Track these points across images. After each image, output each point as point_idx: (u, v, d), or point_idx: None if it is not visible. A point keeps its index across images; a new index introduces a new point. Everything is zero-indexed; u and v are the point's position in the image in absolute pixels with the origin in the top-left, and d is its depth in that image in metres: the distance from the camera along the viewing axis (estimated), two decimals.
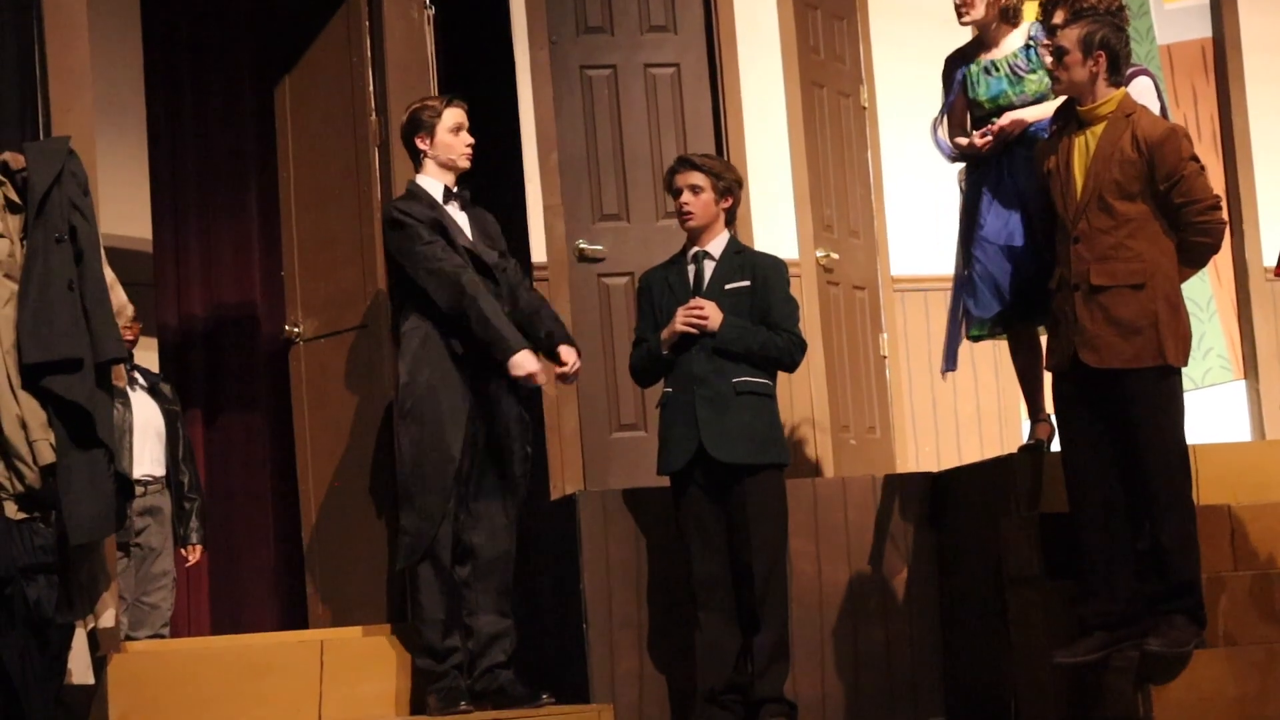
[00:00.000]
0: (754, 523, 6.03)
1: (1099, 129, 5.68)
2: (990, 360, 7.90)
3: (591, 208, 7.60)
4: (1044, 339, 6.35)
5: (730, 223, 6.28)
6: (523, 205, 7.43)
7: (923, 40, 8.10)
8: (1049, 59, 5.83)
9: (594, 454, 7.40)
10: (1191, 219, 5.62)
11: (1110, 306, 5.59)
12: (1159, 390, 5.59)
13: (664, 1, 7.72)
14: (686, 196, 6.19)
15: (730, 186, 6.22)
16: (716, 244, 6.23)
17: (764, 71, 7.78)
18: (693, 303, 6.12)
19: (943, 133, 6.54)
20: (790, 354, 6.16)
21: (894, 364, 8.07)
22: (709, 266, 6.21)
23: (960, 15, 6.44)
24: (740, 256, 6.23)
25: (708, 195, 6.18)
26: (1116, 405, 5.61)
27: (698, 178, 6.18)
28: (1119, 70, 5.71)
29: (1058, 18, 6.01)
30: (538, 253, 7.41)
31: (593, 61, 7.65)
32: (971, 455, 7.80)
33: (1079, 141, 5.71)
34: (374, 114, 6.66)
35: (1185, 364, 5.67)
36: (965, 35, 7.32)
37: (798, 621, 6.46)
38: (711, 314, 6.10)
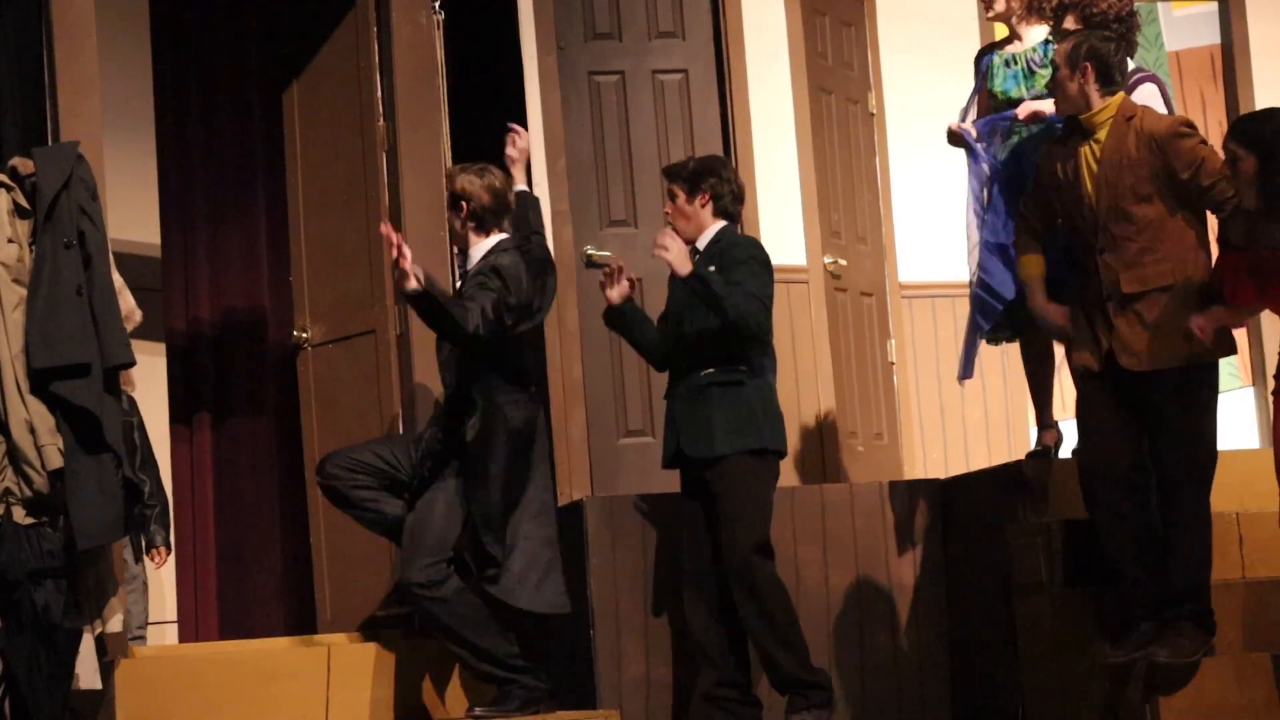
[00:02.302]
0: (721, 514, 6.02)
1: (1102, 136, 5.67)
2: (999, 366, 7.89)
3: (599, 213, 7.60)
4: (1057, 346, 6.38)
5: (725, 214, 6.20)
6: None
7: (931, 47, 8.10)
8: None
9: (601, 459, 7.39)
10: (1227, 194, 5.55)
11: (1144, 311, 5.58)
12: (1191, 390, 5.58)
13: (672, 7, 7.71)
14: (667, 204, 6.26)
15: (698, 180, 6.16)
16: (704, 238, 6.20)
17: (772, 77, 7.77)
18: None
19: (968, 123, 6.54)
20: (750, 314, 5.93)
21: (902, 370, 8.06)
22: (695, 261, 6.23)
23: (987, 11, 6.49)
24: (718, 245, 6.17)
25: (681, 199, 6.19)
26: (1149, 404, 5.60)
27: (670, 185, 6.23)
28: (1112, 79, 5.69)
29: (1068, 23, 6.02)
30: None
31: (601, 67, 7.65)
32: (980, 462, 7.80)
33: (1084, 152, 5.70)
34: (381, 119, 6.67)
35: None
36: (973, 41, 7.34)
37: (805, 628, 6.45)
38: (672, 248, 6.03)
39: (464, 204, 5.93)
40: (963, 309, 7.73)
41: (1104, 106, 5.68)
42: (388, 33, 6.61)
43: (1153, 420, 5.61)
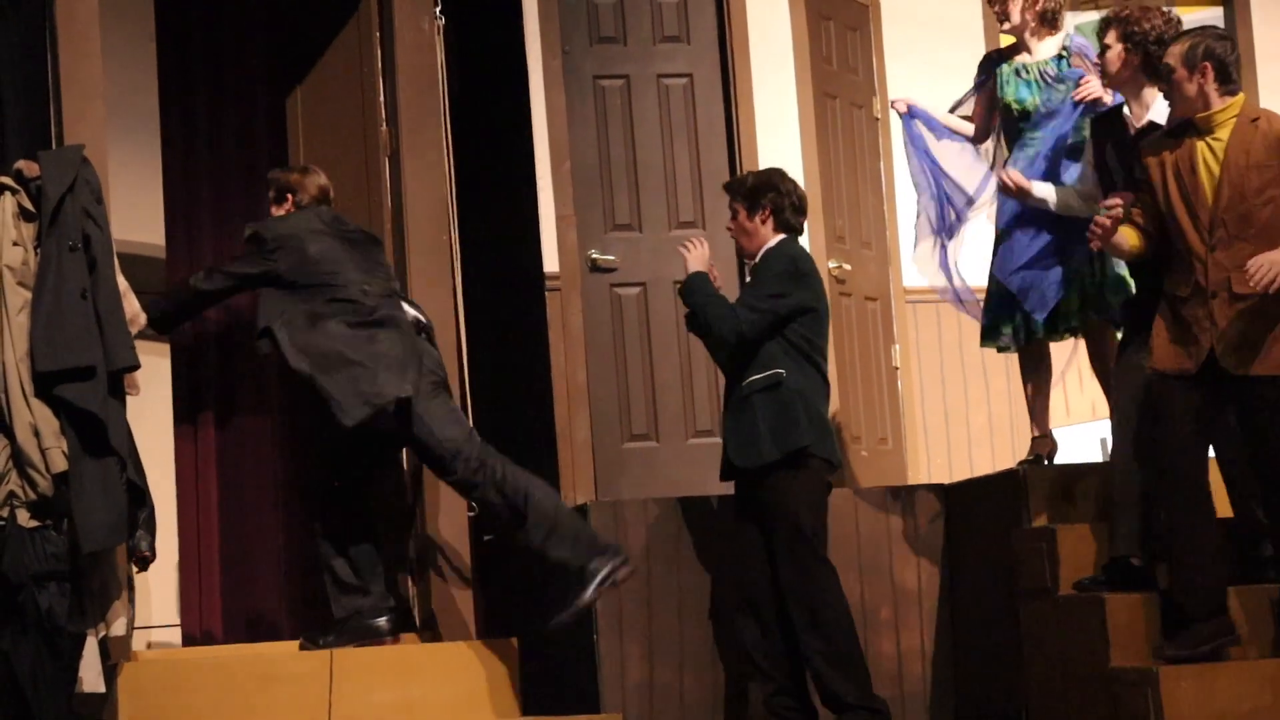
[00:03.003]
0: (775, 531, 6.04)
1: (1223, 135, 5.62)
2: (1003, 371, 7.89)
3: (604, 218, 7.61)
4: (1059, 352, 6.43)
5: (787, 227, 6.22)
6: (535, 215, 7.43)
7: (936, 52, 8.11)
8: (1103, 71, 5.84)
9: (605, 464, 7.40)
10: None
11: (1253, 313, 5.53)
12: None
13: (677, 12, 7.72)
14: (729, 221, 6.29)
15: (757, 195, 6.21)
16: (762, 253, 6.25)
17: (777, 82, 7.78)
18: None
19: (950, 118, 6.71)
20: (717, 325, 6.06)
21: (906, 375, 8.07)
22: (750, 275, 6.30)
23: (1000, 24, 6.60)
24: (766, 259, 6.24)
25: (741, 215, 6.24)
26: (1251, 409, 5.57)
27: (732, 202, 6.27)
28: (1230, 78, 5.65)
29: (1110, 39, 6.03)
30: (550, 262, 7.42)
31: (606, 71, 7.65)
32: (983, 467, 7.80)
33: (1201, 148, 5.65)
34: (384, 124, 6.67)
35: None
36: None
37: None
38: (693, 255, 6.19)
39: (289, 195, 6.29)
40: (968, 315, 7.76)
41: (1225, 106, 5.63)
42: (390, 38, 6.61)
43: (1261, 422, 5.56)
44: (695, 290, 6.16)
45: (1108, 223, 5.69)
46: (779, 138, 7.72)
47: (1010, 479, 6.52)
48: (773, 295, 6.08)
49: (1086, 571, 6.09)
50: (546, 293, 7.37)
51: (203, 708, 5.71)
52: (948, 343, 8.04)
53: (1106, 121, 6.15)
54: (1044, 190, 6.27)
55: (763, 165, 7.67)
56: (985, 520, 6.62)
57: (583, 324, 7.40)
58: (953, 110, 6.76)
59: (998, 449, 8.08)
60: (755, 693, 6.27)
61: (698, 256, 6.21)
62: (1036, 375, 6.60)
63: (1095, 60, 6.30)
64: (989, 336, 6.58)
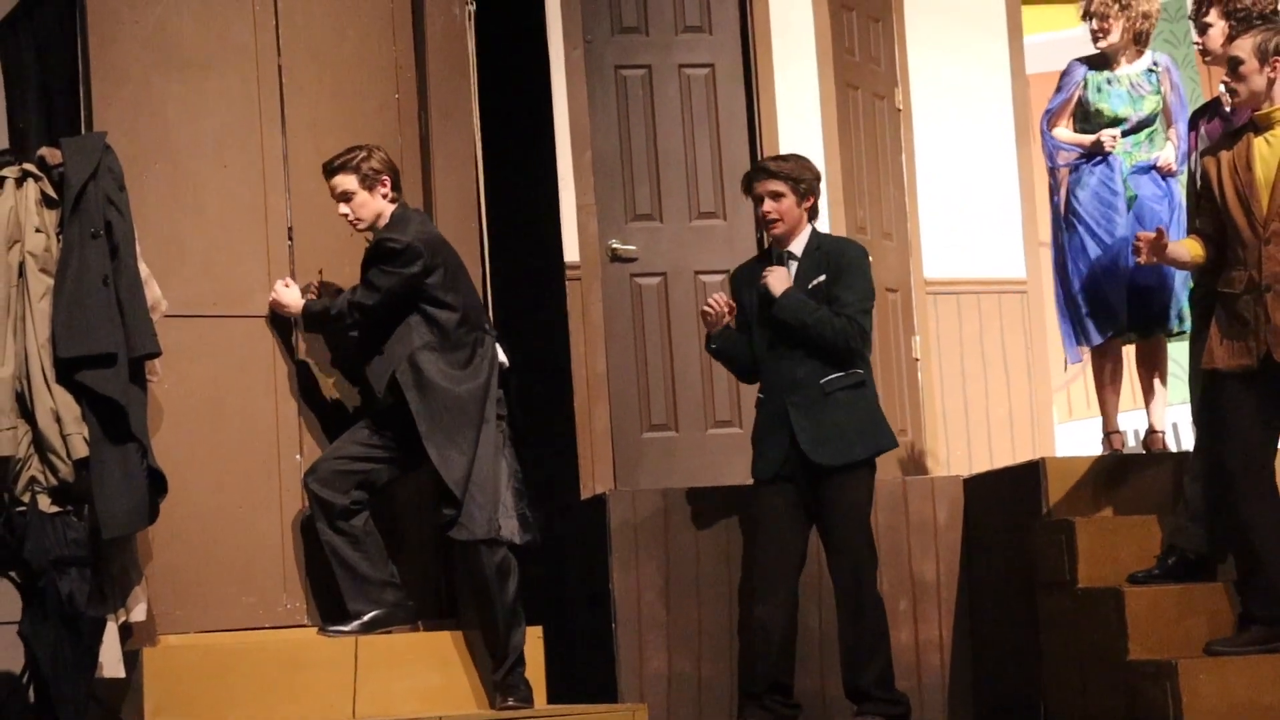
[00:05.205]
0: (842, 525, 6.04)
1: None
2: (1023, 363, 7.88)
3: (625, 207, 7.61)
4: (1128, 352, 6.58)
5: (814, 218, 6.25)
6: (556, 204, 7.44)
7: (959, 42, 8.09)
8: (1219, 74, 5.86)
9: (624, 454, 7.40)
10: None
11: None
12: None
13: (699, 2, 7.72)
14: (768, 204, 6.17)
15: (811, 186, 6.20)
16: (799, 243, 6.20)
17: (799, 72, 7.77)
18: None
19: (1064, 133, 6.75)
20: (845, 338, 6.02)
21: (926, 367, 8.05)
22: (793, 266, 6.19)
23: (1095, 39, 6.69)
24: (820, 251, 6.19)
25: (789, 200, 6.16)
26: None
27: (777, 184, 6.16)
28: None
29: (1212, 16, 6.04)
30: (570, 252, 7.42)
31: (627, 61, 7.65)
32: (1003, 459, 7.79)
33: (1258, 143, 5.64)
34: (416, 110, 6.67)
35: None
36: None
37: (827, 624, 6.45)
38: (774, 282, 6.09)
39: (387, 178, 6.00)
40: (987, 305, 7.77)
41: None
42: (422, 22, 6.62)
43: None
44: (800, 308, 6.05)
45: (1151, 237, 5.76)
46: (800, 128, 7.71)
47: (1029, 471, 6.51)
48: (871, 293, 6.13)
49: (1105, 564, 6.10)
50: (567, 282, 7.38)
51: (227, 693, 5.72)
52: (968, 334, 8.03)
53: (1204, 109, 6.22)
54: None
55: None
56: (1004, 512, 6.62)
57: (603, 314, 7.40)
58: (1050, 122, 6.80)
59: (1017, 441, 8.07)
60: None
61: (781, 276, 6.12)
62: (1110, 375, 6.78)
63: (1176, 81, 6.66)
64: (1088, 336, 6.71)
